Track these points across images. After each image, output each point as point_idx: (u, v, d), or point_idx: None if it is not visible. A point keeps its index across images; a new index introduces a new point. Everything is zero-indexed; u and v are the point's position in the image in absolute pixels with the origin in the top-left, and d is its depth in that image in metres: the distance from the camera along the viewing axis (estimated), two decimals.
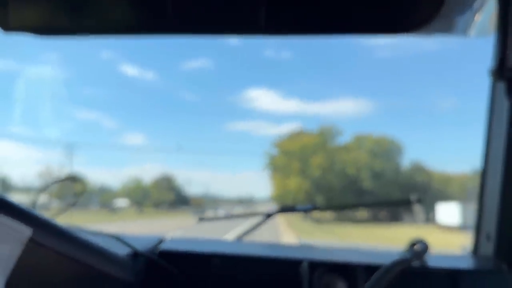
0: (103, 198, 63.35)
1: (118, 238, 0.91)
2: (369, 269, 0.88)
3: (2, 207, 0.58)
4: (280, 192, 50.99)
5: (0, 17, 1.06)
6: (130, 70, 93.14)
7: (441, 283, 0.89)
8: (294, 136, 54.55)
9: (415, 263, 0.89)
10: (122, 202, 63.51)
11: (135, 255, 0.90)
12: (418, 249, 0.91)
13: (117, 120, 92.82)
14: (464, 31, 1.03)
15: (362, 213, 58.60)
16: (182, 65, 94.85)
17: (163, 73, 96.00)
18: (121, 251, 0.88)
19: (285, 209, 1.35)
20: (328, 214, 55.94)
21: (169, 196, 70.51)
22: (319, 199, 46.12)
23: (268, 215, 1.35)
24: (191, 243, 1.08)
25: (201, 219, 1.45)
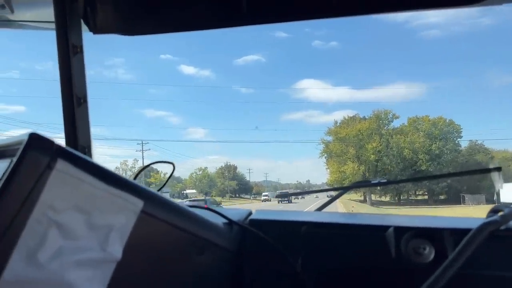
0: (174, 189, 66.53)
1: (212, 210, 0.93)
2: (457, 233, 0.82)
3: (117, 182, 0.60)
4: (337, 177, 49.95)
5: (90, 21, 1.12)
6: (188, 69, 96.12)
7: None
8: (348, 123, 53.05)
9: (503, 227, 0.81)
10: (191, 192, 66.23)
11: (230, 224, 0.92)
12: (505, 213, 0.84)
13: (181, 116, 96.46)
14: None
15: (421, 195, 55.66)
16: (236, 61, 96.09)
17: (218, 70, 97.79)
18: (218, 221, 0.90)
19: (360, 183, 1.30)
20: (386, 197, 53.84)
21: (232, 184, 72.24)
22: None
23: (344, 189, 1.32)
24: (277, 214, 1.08)
25: (279, 196, 1.45)
